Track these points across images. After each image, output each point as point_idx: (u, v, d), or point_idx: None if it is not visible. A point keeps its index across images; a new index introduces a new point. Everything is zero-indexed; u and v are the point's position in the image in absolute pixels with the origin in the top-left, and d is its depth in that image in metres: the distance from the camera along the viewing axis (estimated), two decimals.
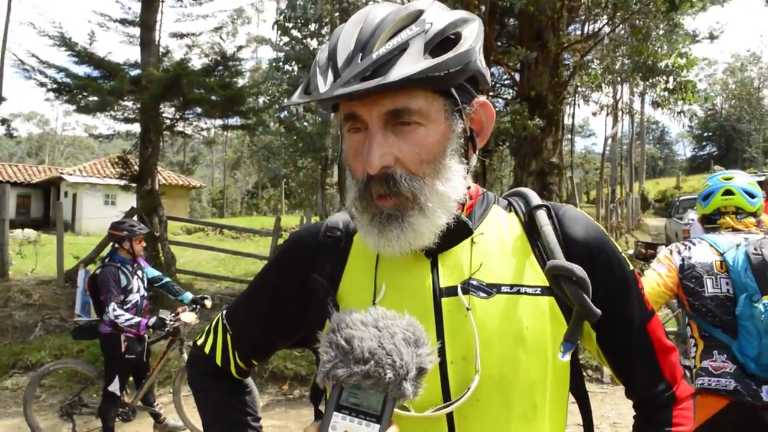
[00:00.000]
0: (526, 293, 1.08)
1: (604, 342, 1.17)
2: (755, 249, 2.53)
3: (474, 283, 1.08)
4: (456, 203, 1.05)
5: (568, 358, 1.05)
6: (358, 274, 1.15)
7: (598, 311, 1.02)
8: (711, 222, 2.87)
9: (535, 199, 1.18)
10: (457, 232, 1.08)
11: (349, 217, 1.21)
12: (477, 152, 1.12)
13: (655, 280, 2.77)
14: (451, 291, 1.08)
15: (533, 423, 1.08)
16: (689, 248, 2.75)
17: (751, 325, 2.44)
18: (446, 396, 1.05)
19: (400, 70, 0.94)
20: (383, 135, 1.00)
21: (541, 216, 1.13)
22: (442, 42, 1.00)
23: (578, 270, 1.02)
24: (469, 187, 1.12)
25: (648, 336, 1.17)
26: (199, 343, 1.38)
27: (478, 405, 1.04)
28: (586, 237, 1.13)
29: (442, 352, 1.05)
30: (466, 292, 1.07)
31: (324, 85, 0.98)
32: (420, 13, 1.02)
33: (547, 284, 1.08)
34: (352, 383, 0.91)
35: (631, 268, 1.18)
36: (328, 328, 0.96)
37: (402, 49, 0.96)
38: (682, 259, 2.73)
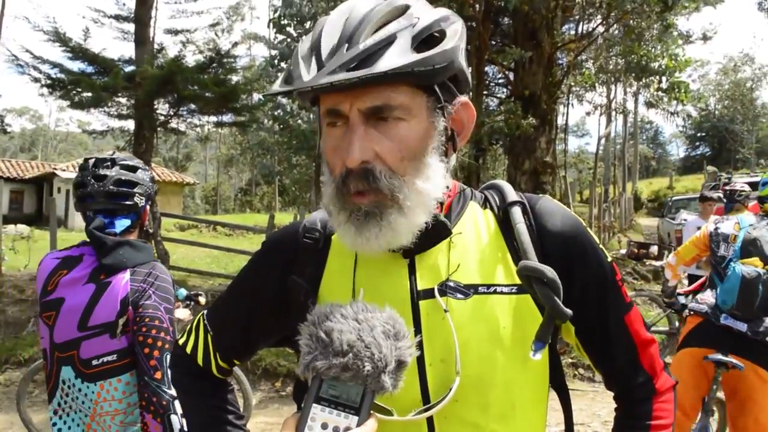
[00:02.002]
0: (502, 293, 1.08)
1: (582, 335, 1.17)
2: (750, 230, 3.79)
3: (451, 284, 1.08)
4: (435, 202, 1.05)
5: (539, 356, 1.04)
6: (336, 276, 1.14)
7: (569, 312, 1.01)
8: (762, 202, 4.01)
9: (511, 194, 1.17)
10: (436, 232, 1.08)
11: (326, 217, 1.19)
12: (456, 152, 1.12)
13: (690, 240, 4.24)
14: (429, 293, 1.08)
15: (512, 422, 1.08)
16: (723, 222, 4.03)
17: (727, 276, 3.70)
18: (425, 398, 1.05)
19: (388, 62, 0.93)
20: (364, 129, 0.98)
21: (516, 213, 1.12)
22: (428, 38, 0.99)
23: (548, 271, 1.01)
24: (447, 186, 1.10)
25: (626, 328, 1.17)
26: (180, 342, 1.37)
27: (457, 405, 1.04)
28: (562, 229, 1.13)
29: (420, 355, 1.05)
30: (443, 293, 1.07)
31: (307, 74, 0.95)
32: (407, 7, 1.01)
33: None
34: (332, 375, 0.91)
35: (609, 259, 1.17)
36: (309, 321, 0.96)
37: (389, 41, 0.95)
38: (715, 228, 4.00)
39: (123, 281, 2.07)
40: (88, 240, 2.16)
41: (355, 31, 0.97)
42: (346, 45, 0.95)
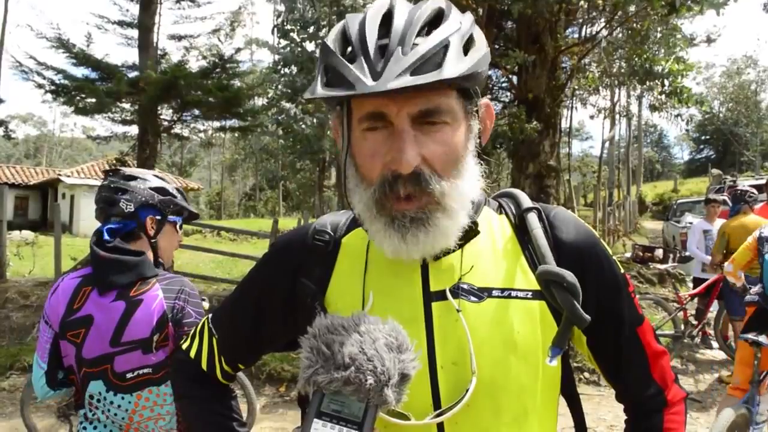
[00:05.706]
0: (517, 297, 1.06)
1: (594, 345, 1.16)
2: None
3: (465, 286, 1.06)
4: (471, 203, 1.05)
5: (555, 363, 1.04)
6: (346, 278, 1.13)
7: (588, 317, 1.01)
8: None
9: (526, 201, 1.16)
10: (466, 232, 1.06)
11: (336, 219, 1.19)
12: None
13: (743, 246, 4.95)
14: (441, 295, 1.06)
15: (523, 427, 1.06)
16: (766, 226, 4.82)
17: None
18: (436, 402, 1.03)
19: (454, 68, 0.92)
20: (414, 134, 0.97)
21: (532, 219, 1.11)
22: (467, 42, 1.00)
23: (569, 276, 1.01)
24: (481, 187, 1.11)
25: (638, 340, 1.16)
26: (184, 347, 1.34)
27: (469, 410, 1.02)
28: (577, 240, 1.12)
29: (431, 357, 1.04)
30: (456, 295, 1.05)
31: (366, 77, 0.92)
32: (449, 8, 1.01)
33: (539, 288, 1.06)
34: (333, 389, 0.89)
35: (622, 271, 1.17)
36: (310, 333, 0.94)
37: (444, 45, 0.94)
38: (760, 233, 4.73)
39: (156, 299, 2.12)
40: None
41: (405, 33, 0.95)
42: (400, 48, 0.93)
